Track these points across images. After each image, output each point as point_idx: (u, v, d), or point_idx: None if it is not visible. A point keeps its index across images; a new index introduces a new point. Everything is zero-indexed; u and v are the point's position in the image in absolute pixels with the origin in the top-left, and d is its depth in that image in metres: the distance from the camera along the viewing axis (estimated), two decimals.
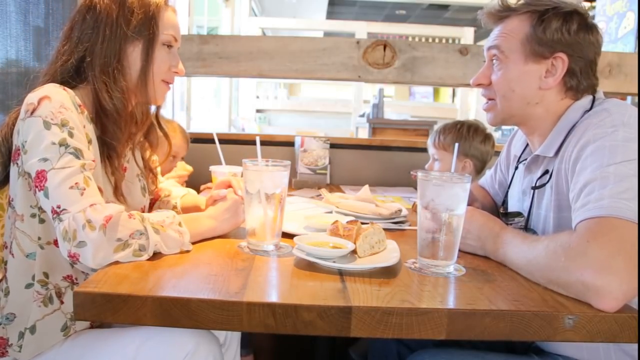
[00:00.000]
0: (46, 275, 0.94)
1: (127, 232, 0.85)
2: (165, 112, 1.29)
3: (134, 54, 1.01)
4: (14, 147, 0.94)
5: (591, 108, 0.99)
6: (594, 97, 1.02)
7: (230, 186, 1.13)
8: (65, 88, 0.94)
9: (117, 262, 0.83)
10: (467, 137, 1.66)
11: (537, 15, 1.00)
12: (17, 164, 0.93)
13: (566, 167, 0.95)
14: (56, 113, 0.89)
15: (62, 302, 0.95)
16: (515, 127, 1.23)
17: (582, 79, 1.01)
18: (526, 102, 1.03)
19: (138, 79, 1.02)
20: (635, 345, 0.87)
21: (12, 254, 0.94)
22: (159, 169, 1.31)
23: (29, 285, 0.93)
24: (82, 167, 0.88)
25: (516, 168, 1.19)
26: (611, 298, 0.73)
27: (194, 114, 3.97)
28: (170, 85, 1.09)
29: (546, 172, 1.03)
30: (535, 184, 1.06)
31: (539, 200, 1.05)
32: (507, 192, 1.22)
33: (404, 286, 0.80)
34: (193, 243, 0.95)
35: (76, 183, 0.86)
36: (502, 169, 1.36)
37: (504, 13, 1.05)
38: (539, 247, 0.84)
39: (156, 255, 0.89)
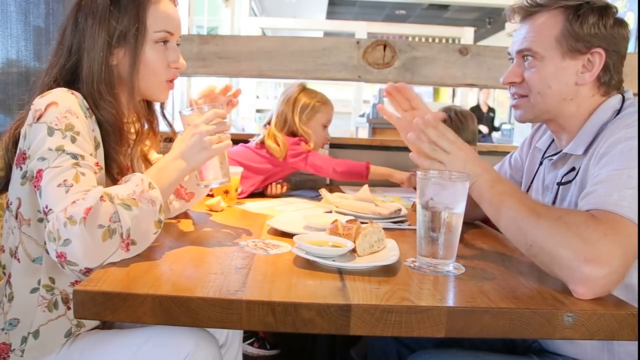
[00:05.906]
0: (52, 280, 0.93)
1: (106, 217, 0.81)
2: (166, 113, 1.26)
3: (123, 61, 0.98)
4: (18, 151, 0.93)
5: (621, 108, 0.99)
6: (623, 97, 1.01)
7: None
8: (74, 92, 0.93)
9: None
10: (460, 123, 1.79)
11: (572, 11, 0.99)
12: (21, 167, 0.92)
13: (594, 163, 0.94)
14: (61, 118, 0.88)
15: (68, 309, 0.94)
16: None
17: (614, 75, 1.01)
18: (562, 98, 1.02)
19: (127, 90, 0.99)
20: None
21: (18, 259, 0.93)
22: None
23: (34, 290, 0.92)
24: (76, 164, 0.85)
25: (540, 163, 1.17)
26: (591, 289, 0.76)
27: None
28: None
29: (572, 169, 1.03)
30: (561, 180, 1.05)
31: (563, 196, 1.05)
32: (530, 185, 1.20)
33: (403, 284, 0.80)
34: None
35: (64, 180, 0.83)
36: (518, 161, 1.31)
37: (533, 9, 1.04)
38: (551, 214, 0.84)
39: (155, 254, 0.89)
